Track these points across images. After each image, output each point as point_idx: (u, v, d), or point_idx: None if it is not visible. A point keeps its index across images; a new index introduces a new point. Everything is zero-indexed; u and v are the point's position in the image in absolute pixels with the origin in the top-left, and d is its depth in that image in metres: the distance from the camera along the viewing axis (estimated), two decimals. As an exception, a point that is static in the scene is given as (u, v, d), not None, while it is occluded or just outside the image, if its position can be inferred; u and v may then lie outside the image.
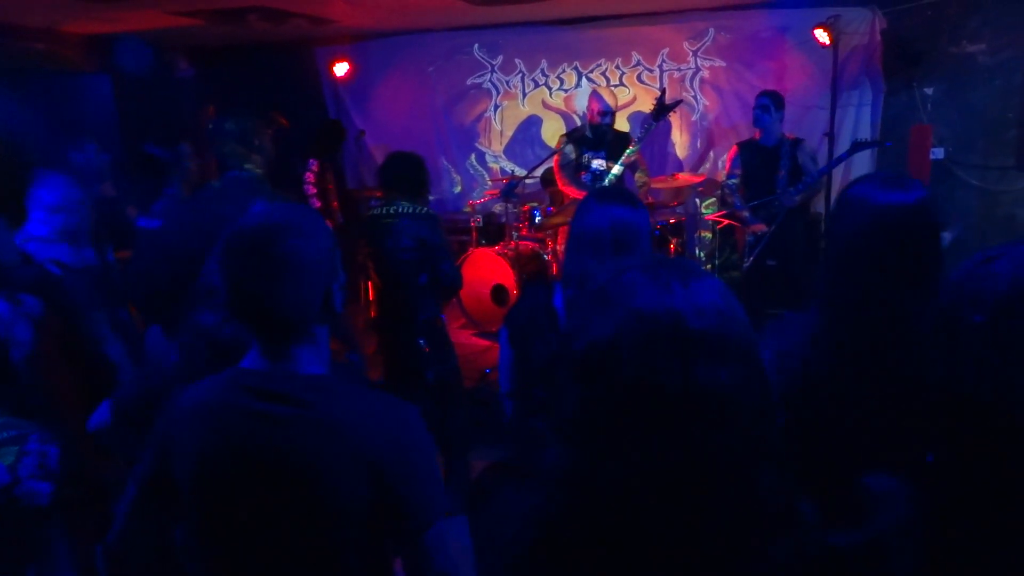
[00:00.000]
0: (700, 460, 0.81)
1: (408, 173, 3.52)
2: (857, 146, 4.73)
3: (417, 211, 3.44)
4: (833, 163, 5.03)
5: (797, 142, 4.77)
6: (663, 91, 4.94)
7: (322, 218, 1.33)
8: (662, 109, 4.64)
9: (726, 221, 5.10)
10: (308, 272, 1.23)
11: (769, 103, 4.64)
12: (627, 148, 4.63)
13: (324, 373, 1.32)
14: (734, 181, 4.86)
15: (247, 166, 3.23)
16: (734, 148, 4.96)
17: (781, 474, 0.87)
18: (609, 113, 4.72)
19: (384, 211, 3.46)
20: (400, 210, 3.42)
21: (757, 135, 4.81)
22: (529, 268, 5.39)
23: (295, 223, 1.24)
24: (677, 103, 4.86)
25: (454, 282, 3.53)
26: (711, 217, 4.97)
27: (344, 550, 1.25)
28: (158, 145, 3.97)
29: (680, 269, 0.88)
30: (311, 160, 5.72)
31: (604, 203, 2.02)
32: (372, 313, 3.74)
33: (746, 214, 4.72)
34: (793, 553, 0.85)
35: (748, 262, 4.68)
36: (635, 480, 0.82)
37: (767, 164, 4.70)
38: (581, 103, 6.19)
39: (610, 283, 0.90)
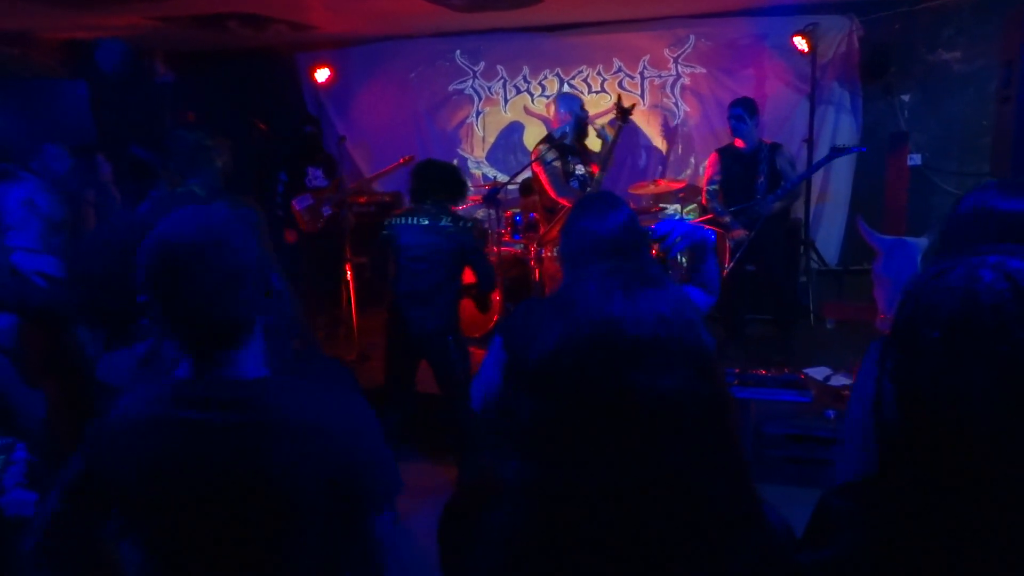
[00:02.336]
0: (649, 467, 0.81)
1: (446, 178, 3.70)
2: (835, 152, 4.79)
3: (452, 219, 3.59)
4: (811, 169, 5.09)
5: (775, 147, 4.81)
6: (619, 96, 4.94)
7: (247, 219, 1.29)
8: (624, 112, 4.67)
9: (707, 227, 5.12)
10: (239, 276, 1.21)
11: (742, 112, 4.68)
12: (590, 153, 4.70)
13: (266, 375, 1.29)
14: (714, 187, 4.89)
15: (192, 184, 3.26)
16: (714, 155, 4.99)
17: (740, 480, 0.88)
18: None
19: (415, 220, 3.60)
20: (438, 219, 3.57)
21: (736, 142, 4.84)
22: (512, 274, 5.39)
23: (219, 228, 1.22)
24: (634, 105, 4.86)
25: (493, 286, 3.80)
26: (693, 222, 5.00)
27: (301, 548, 1.24)
28: (140, 148, 3.94)
29: (627, 277, 0.89)
30: (282, 174, 5.65)
31: (595, 215, 2.01)
32: (386, 307, 3.78)
33: (727, 219, 4.75)
34: (756, 561, 0.86)
35: (729, 267, 4.70)
36: (588, 490, 0.83)
37: (746, 170, 4.74)
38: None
39: (561, 293, 0.91)
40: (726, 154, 4.90)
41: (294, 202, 5.55)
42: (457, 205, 3.80)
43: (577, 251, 2.02)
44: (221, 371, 1.24)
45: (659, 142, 6.56)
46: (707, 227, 5.03)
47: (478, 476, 1.04)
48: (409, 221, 3.63)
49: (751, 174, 4.73)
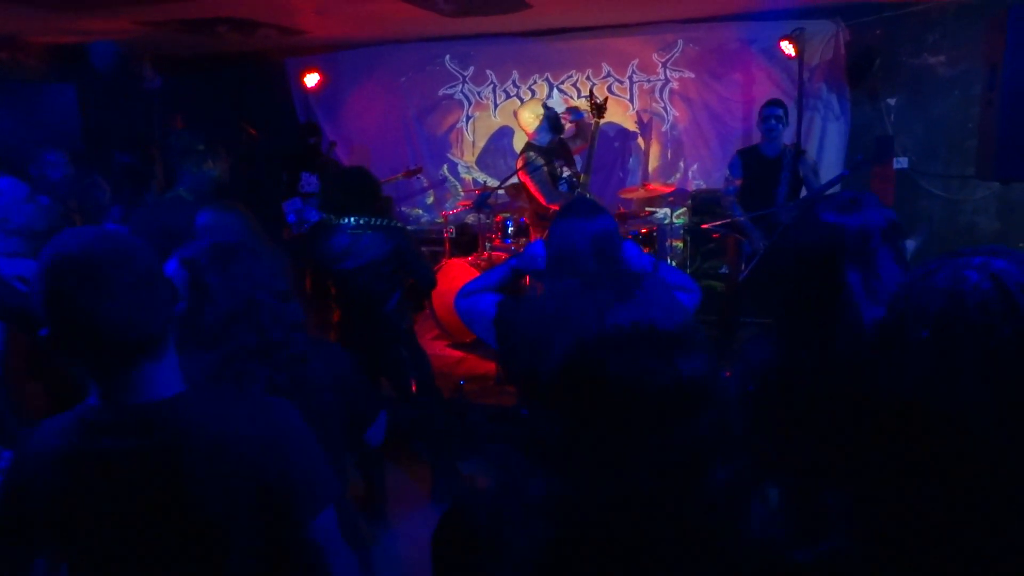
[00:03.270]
0: (667, 457, 0.86)
1: (358, 187, 3.45)
2: (855, 164, 4.74)
3: (383, 223, 3.41)
4: (833, 180, 4.77)
5: (799, 153, 4.70)
6: (591, 92, 4.95)
7: (139, 238, 1.24)
8: (598, 108, 4.66)
9: (715, 232, 5.02)
10: (140, 292, 1.16)
11: (783, 113, 4.54)
12: (571, 155, 4.70)
13: (179, 391, 1.24)
14: (733, 191, 4.74)
15: (181, 189, 3.27)
16: (735, 157, 4.85)
17: (738, 452, 0.92)
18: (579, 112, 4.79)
19: (342, 227, 3.38)
20: (365, 224, 3.37)
21: (761, 144, 4.71)
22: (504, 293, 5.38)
23: (112, 245, 1.16)
24: (605, 100, 4.85)
25: (433, 284, 3.61)
26: (706, 226, 4.92)
27: (236, 564, 1.22)
28: (125, 153, 3.94)
29: (619, 287, 0.93)
30: (284, 174, 5.69)
31: (582, 216, 2.03)
32: (335, 324, 3.63)
33: (740, 219, 4.60)
34: (750, 546, 0.89)
35: (745, 272, 4.59)
36: (617, 495, 0.86)
37: (768, 174, 4.61)
38: (552, 114, 6.22)
39: (554, 305, 0.94)
40: (748, 155, 4.76)
41: (284, 205, 5.55)
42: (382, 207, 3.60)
43: (560, 251, 2.03)
44: (130, 394, 1.19)
45: (648, 146, 6.59)
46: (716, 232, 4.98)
47: (465, 487, 1.05)
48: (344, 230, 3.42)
49: (773, 180, 4.58)
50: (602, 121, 4.80)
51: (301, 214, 5.40)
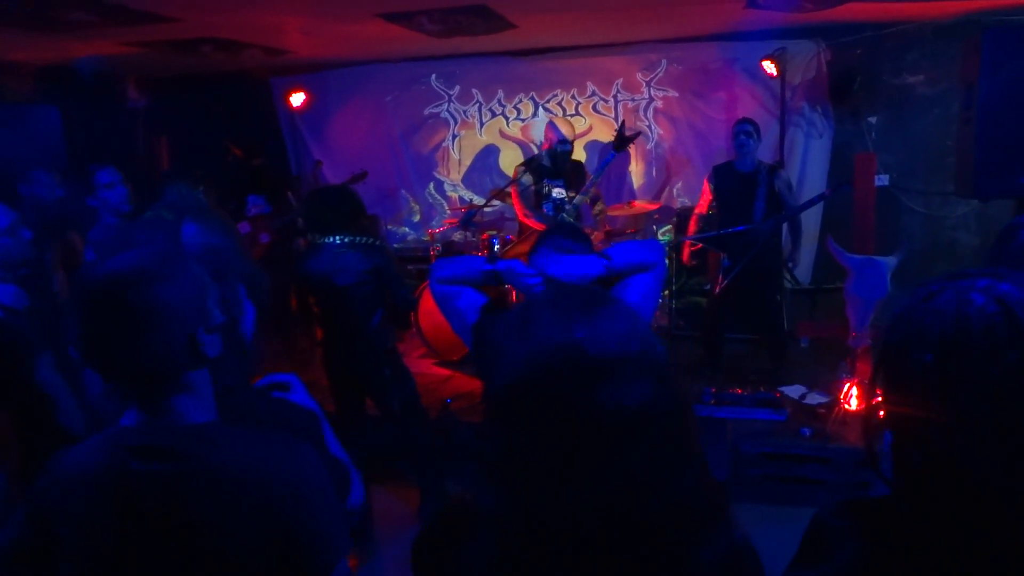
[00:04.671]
0: (619, 480, 0.83)
1: (340, 206, 3.43)
2: (836, 188, 4.81)
3: (364, 241, 3.39)
4: (814, 200, 4.92)
5: (774, 169, 4.73)
6: (623, 123, 4.98)
7: (186, 261, 1.25)
8: (623, 141, 4.67)
9: (690, 249, 5.06)
10: (160, 322, 1.16)
11: (752, 129, 4.60)
12: (583, 178, 4.70)
13: (209, 420, 1.25)
14: (708, 214, 4.80)
15: (162, 208, 3.26)
16: (711, 173, 4.86)
17: (703, 472, 0.90)
18: (567, 142, 4.76)
19: (326, 246, 3.36)
20: (347, 243, 3.35)
21: (734, 160, 4.75)
22: (491, 295, 5.38)
23: (148, 269, 1.17)
24: (636, 135, 4.92)
25: (411, 305, 3.54)
26: (688, 239, 4.96)
27: None
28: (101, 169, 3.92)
29: (584, 297, 0.91)
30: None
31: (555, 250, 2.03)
32: (319, 343, 3.61)
33: (715, 235, 4.61)
34: (723, 556, 0.88)
35: (723, 285, 4.63)
36: (560, 514, 0.84)
37: (744, 191, 4.64)
38: (538, 133, 6.27)
39: (517, 315, 0.93)
40: (722, 172, 4.78)
41: None
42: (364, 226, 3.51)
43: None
44: (163, 418, 1.21)
45: (633, 165, 6.64)
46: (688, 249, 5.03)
47: (444, 506, 1.04)
48: (327, 249, 3.40)
49: (749, 196, 4.61)
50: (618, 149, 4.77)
51: (254, 238, 5.36)
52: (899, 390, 0.86)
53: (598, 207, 4.97)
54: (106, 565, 1.21)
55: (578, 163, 4.98)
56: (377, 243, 3.46)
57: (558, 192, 4.72)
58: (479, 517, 0.92)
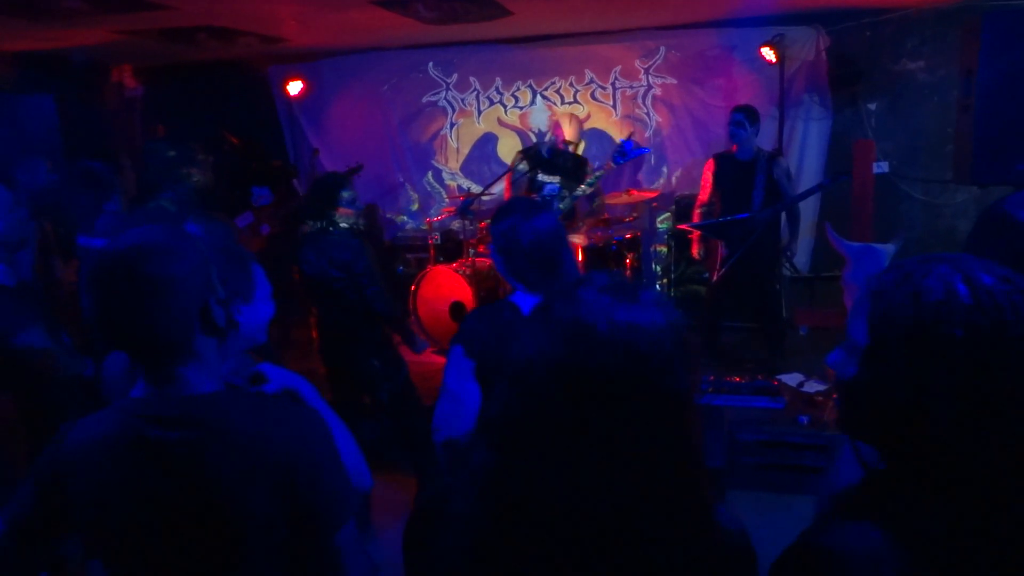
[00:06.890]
0: (611, 462, 0.85)
1: (312, 193, 3.43)
2: (835, 177, 4.77)
3: (330, 231, 3.31)
4: (812, 189, 4.85)
5: (773, 157, 4.72)
6: (631, 135, 4.91)
7: (191, 236, 1.30)
8: (624, 155, 4.63)
9: (696, 234, 5.04)
10: (174, 291, 1.20)
11: (743, 119, 4.59)
12: (584, 170, 4.70)
13: (217, 390, 1.29)
14: (707, 207, 4.79)
15: (163, 198, 3.24)
16: (710, 163, 4.87)
17: (695, 473, 0.91)
18: (572, 144, 4.78)
19: (311, 233, 3.37)
20: (315, 230, 3.34)
21: (734, 148, 4.74)
22: (487, 285, 5.38)
23: (158, 243, 1.22)
24: (642, 152, 4.86)
25: (382, 308, 3.34)
26: (684, 226, 4.94)
27: (259, 565, 1.24)
28: (94, 160, 3.89)
29: (615, 291, 0.91)
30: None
31: (527, 210, 2.05)
32: (314, 336, 3.61)
33: (715, 222, 4.63)
34: (704, 546, 0.89)
35: (721, 273, 4.63)
36: (549, 482, 0.86)
37: (743, 179, 4.63)
38: (536, 120, 6.24)
39: (557, 300, 0.92)
40: (723, 161, 4.78)
41: (236, 220, 5.52)
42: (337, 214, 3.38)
43: (507, 251, 2.03)
44: (172, 387, 1.24)
45: (632, 152, 6.60)
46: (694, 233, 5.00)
47: (435, 493, 1.05)
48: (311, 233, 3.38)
49: (747, 184, 4.60)
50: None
51: (255, 229, 5.36)
52: (929, 366, 0.87)
53: (597, 202, 4.97)
54: (122, 529, 1.24)
55: (580, 159, 4.97)
56: (343, 236, 3.31)
57: (550, 188, 4.73)
58: (469, 475, 0.93)
